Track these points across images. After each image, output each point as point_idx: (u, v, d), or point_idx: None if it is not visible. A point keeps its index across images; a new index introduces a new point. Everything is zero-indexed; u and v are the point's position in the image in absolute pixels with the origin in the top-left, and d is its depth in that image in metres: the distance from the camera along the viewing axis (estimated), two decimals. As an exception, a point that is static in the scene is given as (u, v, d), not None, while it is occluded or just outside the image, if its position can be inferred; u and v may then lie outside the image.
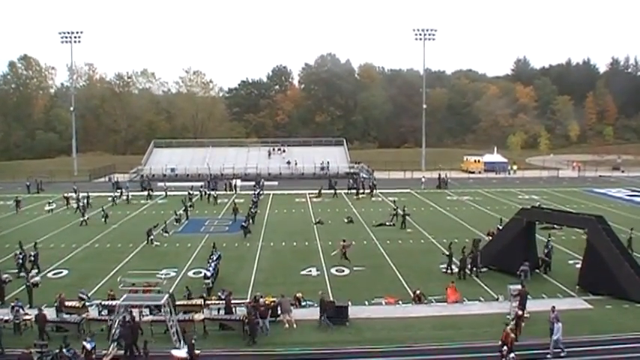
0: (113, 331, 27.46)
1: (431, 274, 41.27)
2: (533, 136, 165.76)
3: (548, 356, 26.91)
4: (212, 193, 77.72)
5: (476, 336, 29.42)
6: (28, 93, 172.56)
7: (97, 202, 72.20)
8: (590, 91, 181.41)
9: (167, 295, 28.28)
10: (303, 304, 34.33)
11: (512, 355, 25.39)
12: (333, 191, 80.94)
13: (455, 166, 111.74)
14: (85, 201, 71.27)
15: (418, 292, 35.56)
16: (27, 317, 31.12)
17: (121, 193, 79.42)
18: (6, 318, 30.88)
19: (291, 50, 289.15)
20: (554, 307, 29.43)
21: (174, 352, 26.46)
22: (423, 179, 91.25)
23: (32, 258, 42.69)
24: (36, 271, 41.68)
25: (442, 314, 32.91)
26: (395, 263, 43.98)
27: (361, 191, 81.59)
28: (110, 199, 75.09)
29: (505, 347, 25.70)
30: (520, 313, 30.79)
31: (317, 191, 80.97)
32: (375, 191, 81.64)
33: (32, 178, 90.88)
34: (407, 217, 59.28)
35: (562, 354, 26.98)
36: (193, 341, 26.29)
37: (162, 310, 27.90)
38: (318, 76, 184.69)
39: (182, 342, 27.65)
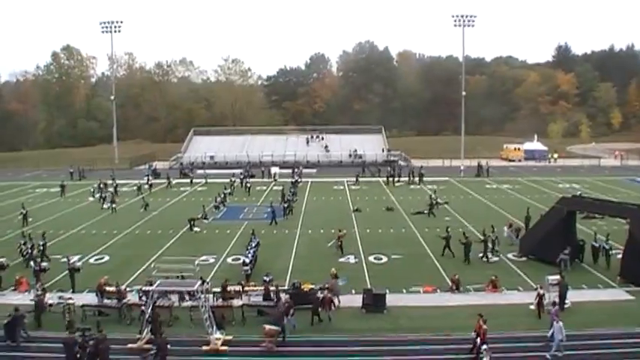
0: (147, 316, 27.74)
1: (471, 263, 40.99)
2: (574, 124, 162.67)
3: (548, 356, 25.97)
4: (247, 182, 77.32)
5: (514, 325, 29.21)
6: (70, 82, 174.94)
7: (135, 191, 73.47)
8: (633, 77, 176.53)
9: (200, 281, 28.50)
10: (340, 283, 34.26)
11: (484, 346, 25.13)
12: (372, 178, 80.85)
13: (494, 154, 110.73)
14: (114, 189, 72.00)
15: (457, 276, 35.48)
16: (70, 302, 31.69)
17: (148, 179, 79.40)
18: (51, 302, 31.49)
19: (329, 38, 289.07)
20: (555, 301, 29.23)
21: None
22: (462, 167, 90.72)
23: (41, 248, 42.55)
24: (46, 263, 40.09)
25: (480, 303, 32.49)
26: (433, 251, 43.75)
27: (397, 179, 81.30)
28: (147, 186, 76.13)
29: (478, 339, 25.61)
30: (542, 292, 30.84)
31: (354, 178, 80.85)
32: (421, 179, 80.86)
33: (75, 166, 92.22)
34: (445, 206, 59.15)
35: (559, 354, 25.92)
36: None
37: (195, 296, 28.18)
38: (356, 64, 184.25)
39: (215, 327, 27.94)
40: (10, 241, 47.50)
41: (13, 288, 35.97)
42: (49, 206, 66.12)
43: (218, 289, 32.78)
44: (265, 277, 33.70)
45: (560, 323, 26.07)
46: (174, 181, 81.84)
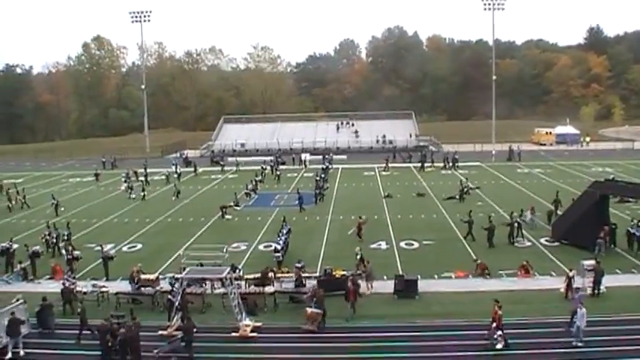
0: (176, 303, 27.91)
1: (501, 248, 40.71)
2: (606, 107, 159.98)
3: (578, 343, 25.24)
4: (277, 169, 77.20)
5: (547, 311, 28.94)
6: (101, 72, 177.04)
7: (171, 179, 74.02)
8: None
9: (229, 269, 28.60)
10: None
11: (499, 332, 25.05)
12: (403, 164, 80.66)
13: (525, 138, 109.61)
14: (144, 178, 72.90)
15: (479, 261, 35.37)
16: (104, 289, 32.07)
17: (176, 168, 79.48)
18: (85, 290, 31.88)
19: (358, 23, 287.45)
20: (578, 288, 28.69)
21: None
22: (494, 152, 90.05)
23: (65, 237, 42.82)
24: (78, 252, 39.61)
25: (512, 289, 32.39)
26: (465, 236, 43.54)
27: (428, 165, 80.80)
28: (175, 175, 76.45)
29: (494, 324, 25.38)
30: (571, 273, 30.63)
31: (384, 165, 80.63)
32: (455, 164, 79.99)
33: (107, 156, 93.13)
34: (477, 190, 59.04)
35: (580, 344, 25.16)
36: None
37: (224, 283, 28.32)
38: (385, 49, 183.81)
39: (243, 314, 28.09)
40: (37, 233, 47.99)
41: (49, 276, 36.41)
42: (81, 195, 66.96)
43: (251, 276, 32.95)
44: (297, 264, 33.73)
45: (584, 310, 25.30)
46: (200, 170, 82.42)
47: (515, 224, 42.44)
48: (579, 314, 25.27)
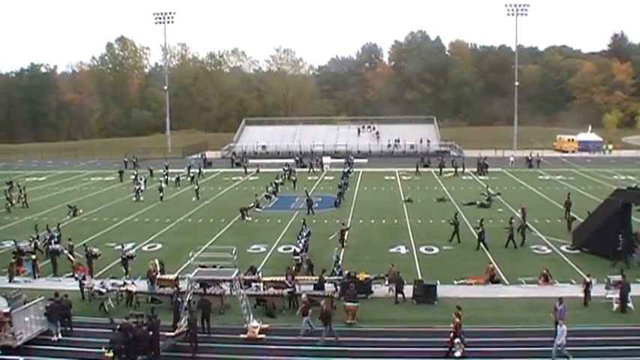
0: (185, 304, 27.89)
1: (522, 254, 40.51)
2: (630, 115, 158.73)
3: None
4: (292, 176, 75.41)
5: (566, 319, 28.70)
6: (124, 73, 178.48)
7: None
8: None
9: (237, 271, 28.62)
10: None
11: (457, 340, 24.97)
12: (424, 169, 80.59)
13: (547, 145, 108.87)
14: (164, 179, 72.46)
15: (492, 265, 35.14)
16: (123, 288, 32.23)
17: (189, 170, 79.11)
18: (102, 289, 32.01)
19: (381, 27, 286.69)
20: (561, 298, 27.50)
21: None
22: (512, 158, 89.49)
23: (55, 239, 41.93)
24: (97, 249, 39.14)
25: (532, 296, 32.20)
26: (486, 243, 43.21)
27: (446, 169, 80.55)
28: (189, 178, 76.05)
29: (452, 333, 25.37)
30: (589, 280, 30.43)
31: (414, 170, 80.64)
32: (483, 170, 79.94)
33: (129, 155, 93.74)
34: (498, 197, 58.99)
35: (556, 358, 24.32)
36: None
37: (233, 286, 28.31)
38: (408, 53, 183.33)
39: (252, 316, 28.18)
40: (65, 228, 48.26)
41: (70, 274, 36.63)
42: (103, 194, 67.28)
43: (268, 278, 33.01)
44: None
45: (564, 327, 24.49)
46: (221, 171, 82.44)
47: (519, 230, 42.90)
48: (559, 331, 24.56)
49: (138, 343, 24.86)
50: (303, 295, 29.04)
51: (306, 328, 27.43)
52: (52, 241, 41.28)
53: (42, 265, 38.56)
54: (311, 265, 35.51)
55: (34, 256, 38.30)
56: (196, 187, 65.53)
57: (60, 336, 27.31)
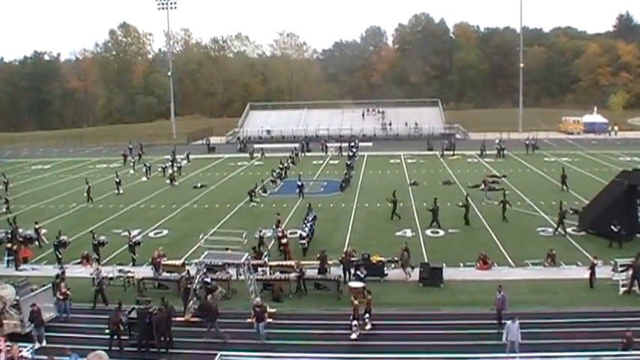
0: (194, 286, 27.93)
1: (527, 237, 40.45)
2: (635, 96, 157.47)
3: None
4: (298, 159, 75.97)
5: (572, 301, 28.71)
6: (128, 59, 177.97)
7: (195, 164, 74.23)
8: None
9: (247, 254, 28.69)
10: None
11: (354, 322, 25.32)
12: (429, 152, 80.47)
13: (553, 127, 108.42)
14: (171, 164, 72.38)
15: (483, 253, 35.11)
16: (130, 274, 32.38)
17: (187, 157, 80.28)
18: (111, 275, 32.17)
19: (384, 10, 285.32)
20: (500, 286, 26.69)
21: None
22: (497, 140, 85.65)
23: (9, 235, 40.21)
24: (104, 237, 38.97)
25: (538, 278, 32.22)
26: (491, 226, 43.24)
27: (450, 153, 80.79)
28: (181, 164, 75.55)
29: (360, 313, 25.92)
30: (595, 262, 30.49)
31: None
32: (501, 153, 79.33)
33: (134, 142, 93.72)
34: (503, 179, 59.19)
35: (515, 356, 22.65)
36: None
37: (241, 269, 28.39)
38: (412, 36, 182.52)
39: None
40: (65, 218, 48.38)
41: (78, 261, 36.85)
42: (109, 182, 67.17)
43: (275, 263, 33.16)
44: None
45: (517, 323, 23.02)
46: (226, 156, 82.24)
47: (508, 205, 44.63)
48: (510, 329, 23.05)
49: (154, 329, 24.96)
50: (258, 299, 26.94)
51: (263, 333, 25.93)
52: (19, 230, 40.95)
53: (46, 254, 38.98)
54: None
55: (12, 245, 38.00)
56: (171, 172, 66.56)
57: (45, 343, 25.78)
